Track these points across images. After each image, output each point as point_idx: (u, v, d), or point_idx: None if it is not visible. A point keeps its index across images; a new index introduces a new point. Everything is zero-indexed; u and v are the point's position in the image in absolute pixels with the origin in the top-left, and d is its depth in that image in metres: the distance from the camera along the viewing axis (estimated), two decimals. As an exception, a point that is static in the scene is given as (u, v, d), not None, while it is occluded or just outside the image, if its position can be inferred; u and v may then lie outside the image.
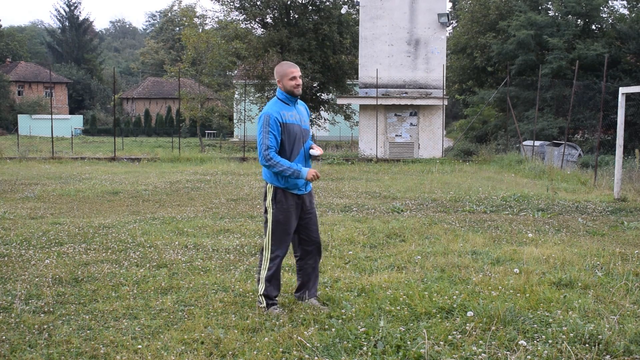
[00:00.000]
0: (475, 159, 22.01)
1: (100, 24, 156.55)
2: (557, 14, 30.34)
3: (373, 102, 24.12)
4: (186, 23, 38.40)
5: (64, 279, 5.61)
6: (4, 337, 4.18)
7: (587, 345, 3.96)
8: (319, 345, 4.04)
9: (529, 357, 3.79)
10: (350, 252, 6.79)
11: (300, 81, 4.70)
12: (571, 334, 4.10)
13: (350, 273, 5.87)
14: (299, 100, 4.91)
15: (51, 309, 4.78)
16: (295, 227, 4.83)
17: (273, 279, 4.75)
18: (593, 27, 30.50)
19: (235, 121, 37.88)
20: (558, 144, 21.30)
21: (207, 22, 37.26)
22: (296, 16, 31.97)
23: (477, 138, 31.19)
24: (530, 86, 28.22)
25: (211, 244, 7.19)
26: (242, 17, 32.82)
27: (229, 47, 30.53)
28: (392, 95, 24.36)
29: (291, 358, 3.89)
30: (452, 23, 44.14)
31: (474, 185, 13.73)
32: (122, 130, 42.54)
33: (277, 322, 4.46)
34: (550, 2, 31.10)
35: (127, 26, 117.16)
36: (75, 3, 69.19)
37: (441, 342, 4.03)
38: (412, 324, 4.40)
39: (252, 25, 33.51)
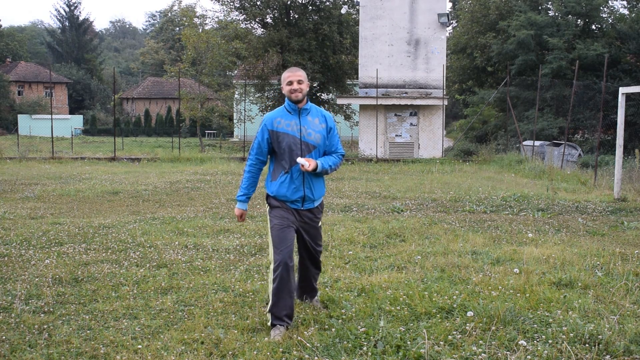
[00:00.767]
0: (475, 159, 22.01)
1: (100, 24, 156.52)
2: (557, 14, 30.34)
3: (373, 102, 24.12)
4: (186, 23, 38.39)
5: (64, 279, 5.61)
6: (4, 337, 4.18)
7: (587, 345, 3.96)
8: (319, 345, 4.04)
9: (529, 357, 3.79)
10: (350, 252, 6.79)
11: (296, 86, 4.39)
12: (571, 334, 4.10)
13: (350, 273, 5.87)
14: (316, 111, 4.55)
15: (51, 309, 4.78)
16: (296, 234, 4.57)
17: (280, 293, 4.28)
18: (593, 27, 30.50)
19: (235, 121, 37.87)
20: (558, 144, 21.30)
21: (207, 22, 37.27)
22: (296, 16, 31.96)
23: (477, 138, 31.19)
24: (530, 86, 28.23)
25: (211, 244, 7.19)
26: (242, 17, 32.82)
27: (229, 47, 30.52)
28: (392, 95, 24.35)
29: (291, 358, 3.89)
30: (452, 23, 44.16)
31: (474, 185, 13.73)
32: (122, 130, 42.54)
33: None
34: (550, 2, 31.11)
35: (127, 26, 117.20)
36: (75, 3, 69.21)
37: (441, 342, 4.03)
38: (412, 324, 4.40)
39: (252, 25, 33.51)
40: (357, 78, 26.69)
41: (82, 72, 62.49)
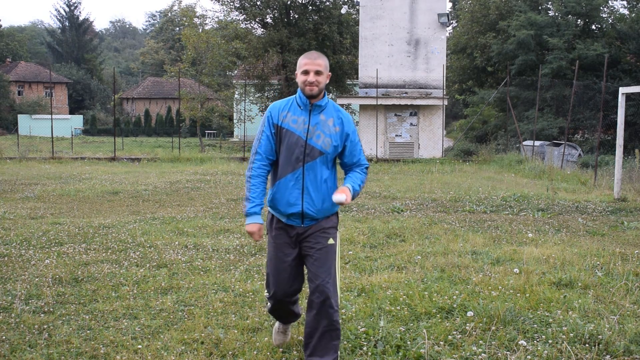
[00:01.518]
0: (475, 159, 22.00)
1: (100, 24, 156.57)
2: (557, 14, 30.34)
3: (373, 102, 24.12)
4: (186, 23, 38.39)
5: (64, 279, 5.61)
6: (4, 337, 4.18)
7: (587, 345, 3.96)
8: (319, 345, 4.03)
9: (529, 357, 3.79)
10: (350, 252, 6.79)
11: (312, 78, 3.54)
12: (571, 334, 4.10)
13: (350, 273, 5.86)
14: (332, 109, 3.69)
15: (51, 309, 4.78)
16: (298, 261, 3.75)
17: (277, 316, 3.96)
18: (593, 27, 30.51)
19: (235, 121, 37.88)
20: (558, 144, 21.30)
21: (207, 22, 37.31)
22: (296, 16, 31.97)
23: (477, 138, 31.19)
24: (530, 86, 28.22)
25: (211, 244, 7.19)
26: (242, 17, 32.83)
27: (229, 47, 30.53)
28: (392, 95, 24.35)
29: (291, 358, 3.89)
30: (452, 23, 44.17)
31: (474, 185, 13.72)
32: (122, 130, 42.53)
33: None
34: (550, 2, 31.10)
35: (127, 26, 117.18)
36: (75, 3, 69.21)
37: (441, 342, 4.03)
38: (412, 324, 4.40)
39: (252, 25, 33.52)
40: (357, 78, 26.70)
41: (82, 72, 62.49)
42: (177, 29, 63.36)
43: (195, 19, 37.15)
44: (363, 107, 24.77)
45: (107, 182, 14.12)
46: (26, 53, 62.95)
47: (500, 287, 5.22)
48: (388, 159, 22.87)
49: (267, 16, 32.87)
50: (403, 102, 23.93)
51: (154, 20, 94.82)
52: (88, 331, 4.33)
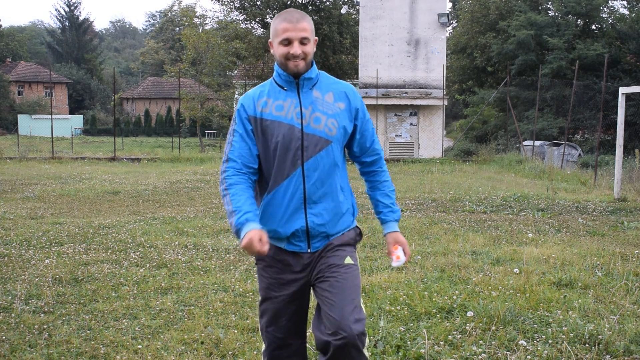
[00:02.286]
0: (475, 159, 22.00)
1: (100, 24, 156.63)
2: (557, 14, 30.36)
3: (373, 102, 24.11)
4: (186, 23, 38.41)
5: (64, 279, 5.61)
6: (4, 337, 4.18)
7: (587, 345, 3.96)
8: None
9: (529, 357, 3.79)
10: (350, 252, 6.78)
11: (297, 49, 2.60)
12: (571, 334, 4.10)
13: (350, 273, 5.85)
14: (328, 82, 2.75)
15: (51, 309, 4.78)
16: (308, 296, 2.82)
17: None
18: (593, 27, 30.52)
19: (235, 121, 37.82)
20: (558, 144, 21.30)
21: (207, 22, 37.33)
22: (296, 16, 31.99)
23: (477, 138, 31.19)
24: (530, 86, 28.23)
25: (211, 244, 7.19)
26: (242, 17, 32.86)
27: (229, 47, 30.55)
28: (392, 95, 24.36)
29: (291, 358, 3.89)
30: (452, 23, 44.17)
31: (474, 185, 13.72)
32: (122, 130, 42.54)
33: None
34: (550, 2, 31.11)
35: (127, 26, 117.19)
36: (75, 3, 69.24)
37: (441, 342, 4.03)
38: (412, 324, 4.40)
39: (252, 25, 33.54)
40: (357, 78, 26.69)
41: (82, 72, 62.50)
42: (177, 29, 63.35)
43: (195, 19, 37.19)
44: (363, 107, 24.77)
45: (107, 182, 14.12)
46: (26, 53, 62.96)
47: (500, 287, 5.22)
48: (388, 159, 22.87)
49: (267, 16, 32.88)
50: (403, 102, 23.93)
51: (154, 20, 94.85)
52: (88, 331, 4.33)
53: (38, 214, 9.46)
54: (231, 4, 32.57)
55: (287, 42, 2.63)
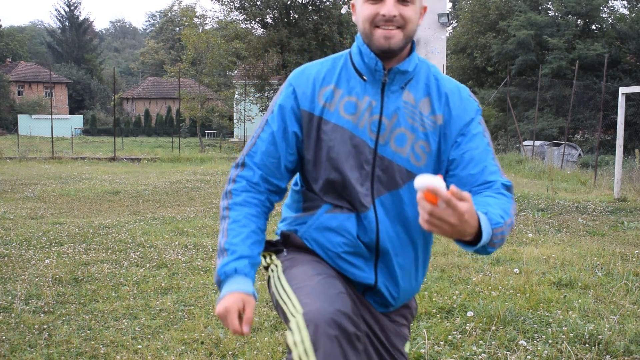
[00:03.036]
0: (475, 159, 21.97)
1: (100, 24, 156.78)
2: (557, 14, 30.37)
3: (373, 102, 24.13)
4: (186, 23, 38.39)
5: (64, 279, 5.61)
6: (4, 337, 4.18)
7: (587, 345, 3.96)
8: (319, 345, 4.02)
9: (529, 357, 3.79)
10: (350, 252, 6.77)
11: (393, 8, 1.67)
12: (571, 334, 4.10)
13: (350, 273, 5.85)
14: (427, 77, 1.82)
15: (51, 309, 4.78)
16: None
17: None
18: (593, 27, 30.54)
19: (235, 121, 37.87)
20: (558, 144, 21.31)
21: (207, 22, 37.33)
22: (296, 16, 31.97)
23: (477, 138, 31.15)
24: (530, 86, 28.24)
25: (211, 244, 7.19)
26: (242, 17, 32.84)
27: (229, 47, 30.54)
28: (392, 95, 24.39)
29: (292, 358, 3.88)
30: (452, 23, 44.16)
31: (474, 185, 13.71)
32: (122, 130, 42.53)
33: (278, 322, 4.45)
34: (550, 2, 31.13)
35: (127, 26, 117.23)
36: (75, 3, 69.25)
37: (441, 342, 4.03)
38: (412, 324, 4.40)
39: (252, 25, 33.53)
40: (357, 78, 26.67)
41: (82, 72, 62.51)
42: (177, 29, 63.37)
43: (195, 19, 37.18)
44: (363, 107, 24.78)
45: (107, 182, 14.13)
46: (26, 53, 62.98)
47: (500, 287, 5.22)
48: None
49: (267, 16, 32.88)
50: (403, 102, 23.95)
51: (154, 20, 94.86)
52: (88, 331, 4.33)
53: (38, 214, 9.47)
54: (231, 4, 32.56)
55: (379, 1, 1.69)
